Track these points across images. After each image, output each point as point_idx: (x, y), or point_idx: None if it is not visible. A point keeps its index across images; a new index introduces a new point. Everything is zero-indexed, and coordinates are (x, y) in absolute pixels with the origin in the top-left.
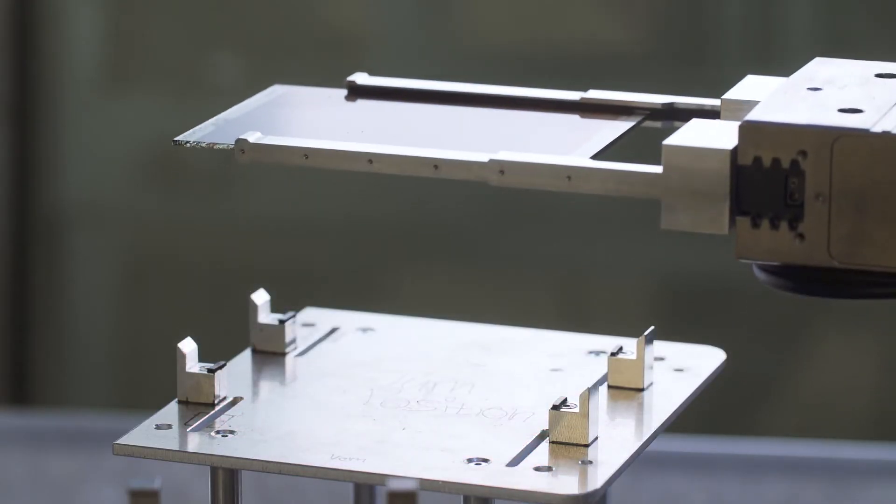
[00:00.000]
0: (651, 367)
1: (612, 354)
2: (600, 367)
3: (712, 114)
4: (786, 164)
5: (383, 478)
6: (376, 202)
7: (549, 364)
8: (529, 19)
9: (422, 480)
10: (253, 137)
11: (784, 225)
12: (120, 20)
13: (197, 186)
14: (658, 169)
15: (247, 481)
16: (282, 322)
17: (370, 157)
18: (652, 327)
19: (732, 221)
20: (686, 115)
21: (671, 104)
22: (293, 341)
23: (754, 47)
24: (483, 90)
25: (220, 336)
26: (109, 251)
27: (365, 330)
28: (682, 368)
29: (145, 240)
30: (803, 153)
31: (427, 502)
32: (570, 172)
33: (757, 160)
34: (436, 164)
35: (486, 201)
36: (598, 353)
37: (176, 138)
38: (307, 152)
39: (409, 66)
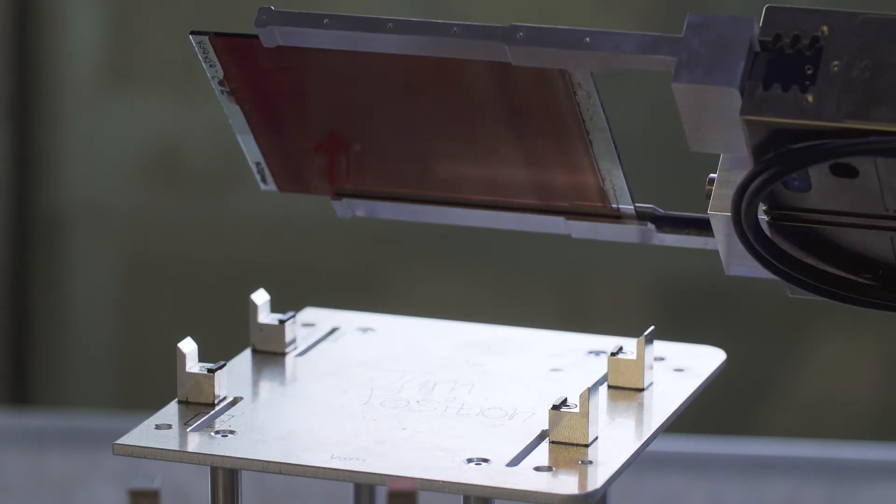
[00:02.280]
0: (651, 367)
1: (612, 354)
2: (600, 367)
3: None
4: (806, 40)
5: (383, 478)
6: None
7: (549, 364)
8: (528, 19)
9: (422, 480)
10: (275, 7)
11: (795, 88)
12: (120, 20)
13: (197, 186)
14: (678, 35)
15: (247, 481)
16: (282, 322)
17: (391, 22)
18: (652, 327)
19: (744, 88)
20: None
21: None
22: (293, 341)
23: None
24: None
25: (220, 336)
26: (109, 251)
27: (365, 330)
28: (682, 368)
29: (145, 239)
30: (824, 30)
31: (427, 502)
32: (588, 35)
33: (777, 38)
34: (455, 28)
35: None
36: (598, 353)
37: (193, 30)
38: (328, 17)
39: None
